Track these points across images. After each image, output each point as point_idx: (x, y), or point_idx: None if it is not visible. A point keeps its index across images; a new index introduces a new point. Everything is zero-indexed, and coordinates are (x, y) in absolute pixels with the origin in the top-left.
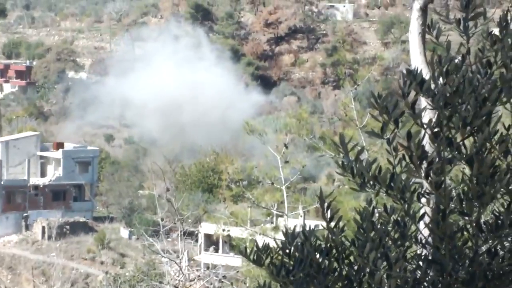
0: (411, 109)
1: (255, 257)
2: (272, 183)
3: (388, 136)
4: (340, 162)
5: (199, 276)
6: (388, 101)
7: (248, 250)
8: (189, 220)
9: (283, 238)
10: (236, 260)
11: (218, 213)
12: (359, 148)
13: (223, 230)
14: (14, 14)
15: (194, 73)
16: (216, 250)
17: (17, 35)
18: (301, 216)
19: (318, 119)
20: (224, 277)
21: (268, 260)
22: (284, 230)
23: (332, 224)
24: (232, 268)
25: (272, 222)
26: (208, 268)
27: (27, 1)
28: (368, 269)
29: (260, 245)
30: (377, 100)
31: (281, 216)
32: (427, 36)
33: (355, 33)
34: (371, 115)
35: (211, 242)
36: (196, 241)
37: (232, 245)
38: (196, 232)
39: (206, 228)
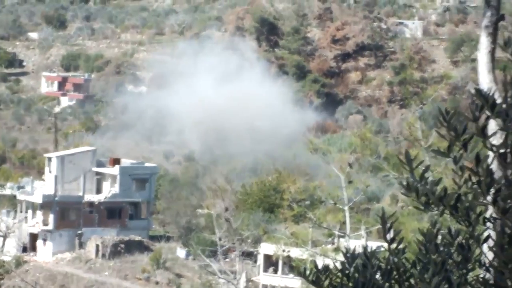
0: (482, 132)
1: (314, 278)
2: (335, 203)
3: (455, 155)
4: (404, 182)
5: None
6: (457, 120)
7: (307, 271)
8: (249, 240)
9: (343, 259)
10: (295, 282)
11: (278, 233)
12: (424, 167)
13: (283, 251)
14: (74, 25)
15: (253, 90)
16: (276, 271)
17: (76, 47)
18: (363, 237)
19: (384, 139)
20: None
21: (327, 282)
22: (344, 251)
23: (394, 245)
24: None
25: (333, 243)
26: None
27: (88, 12)
28: None
29: (320, 266)
30: (445, 118)
31: (343, 237)
32: (500, 54)
33: (424, 51)
34: (437, 133)
35: (270, 263)
36: (255, 261)
37: (292, 266)
38: (255, 252)
39: (266, 248)
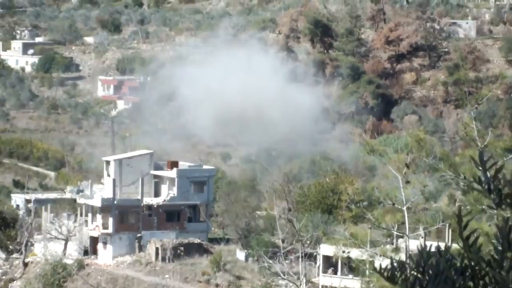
0: None
1: (389, 274)
2: (393, 204)
3: None
4: (477, 178)
5: None
6: None
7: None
8: (308, 242)
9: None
10: (355, 282)
11: (337, 234)
12: (499, 165)
13: (343, 251)
14: (129, 29)
15: (306, 92)
16: (335, 272)
17: (131, 50)
18: (422, 237)
19: (440, 139)
20: None
21: (402, 278)
22: (420, 248)
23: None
24: None
25: (392, 243)
26: None
27: (142, 16)
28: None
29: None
30: None
31: (402, 237)
32: None
33: (478, 51)
34: None
35: (329, 263)
36: (315, 262)
37: (352, 266)
38: (314, 253)
39: (325, 249)
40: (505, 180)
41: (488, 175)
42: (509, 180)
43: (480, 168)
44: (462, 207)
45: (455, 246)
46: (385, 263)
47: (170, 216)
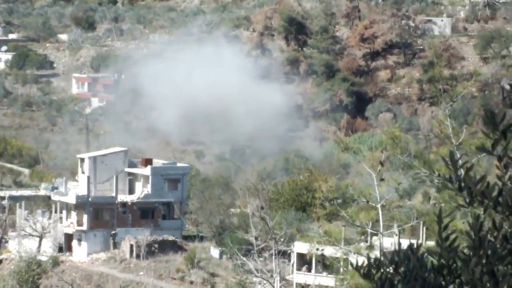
0: None
1: (365, 271)
2: (367, 201)
3: (499, 153)
4: (447, 177)
5: None
6: (498, 116)
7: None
8: (282, 239)
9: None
10: (329, 280)
11: (311, 232)
12: (470, 164)
13: (317, 249)
14: (103, 26)
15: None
16: (309, 270)
17: (105, 48)
18: (396, 235)
19: (414, 136)
20: None
21: (378, 275)
22: (396, 248)
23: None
24: None
25: (366, 241)
26: (302, 287)
27: (116, 13)
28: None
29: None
30: (490, 116)
31: (376, 234)
32: None
33: (452, 48)
34: (483, 132)
35: (303, 261)
36: (289, 260)
37: (326, 264)
38: (288, 251)
39: (299, 247)
40: (474, 179)
41: (462, 172)
42: (478, 178)
43: (451, 167)
44: (439, 207)
45: (429, 243)
46: (360, 260)
47: (145, 213)
